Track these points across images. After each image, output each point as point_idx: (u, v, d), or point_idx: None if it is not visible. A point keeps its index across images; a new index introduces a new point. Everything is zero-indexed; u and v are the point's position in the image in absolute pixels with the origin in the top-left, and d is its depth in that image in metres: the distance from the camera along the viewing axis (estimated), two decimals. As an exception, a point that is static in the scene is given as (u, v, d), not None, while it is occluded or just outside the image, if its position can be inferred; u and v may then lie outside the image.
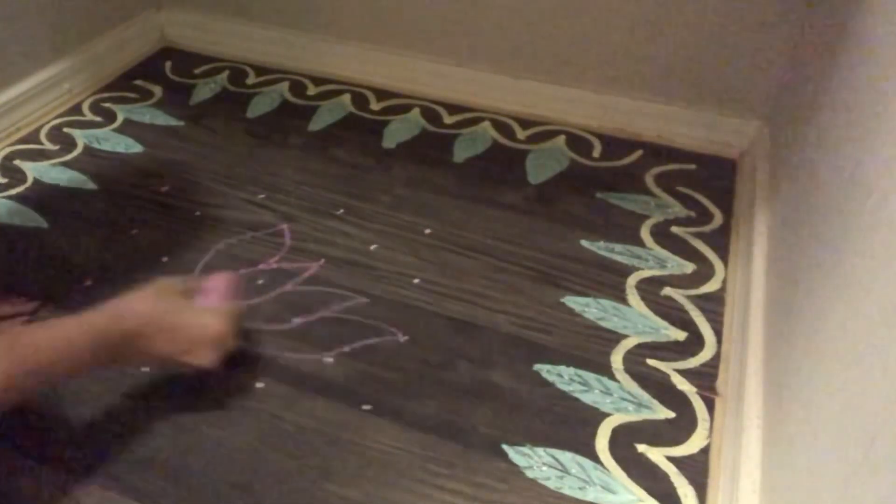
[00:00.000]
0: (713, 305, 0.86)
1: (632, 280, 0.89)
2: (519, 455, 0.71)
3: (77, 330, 0.62)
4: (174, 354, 0.67)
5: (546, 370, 0.78)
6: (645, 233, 0.97)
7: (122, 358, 0.66)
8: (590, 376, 0.78)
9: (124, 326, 0.64)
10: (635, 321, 0.84)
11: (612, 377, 0.78)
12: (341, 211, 0.99)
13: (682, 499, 0.68)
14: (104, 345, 0.63)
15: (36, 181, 1.04)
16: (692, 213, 1.00)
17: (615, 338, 0.82)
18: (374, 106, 1.22)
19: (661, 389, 0.77)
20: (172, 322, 0.67)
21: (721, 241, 0.95)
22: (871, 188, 0.55)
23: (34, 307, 0.83)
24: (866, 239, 0.53)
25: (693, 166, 1.09)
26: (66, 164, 1.07)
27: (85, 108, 1.20)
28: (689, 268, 0.91)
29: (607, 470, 0.69)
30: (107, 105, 1.21)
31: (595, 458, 0.70)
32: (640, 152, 1.12)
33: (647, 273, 0.90)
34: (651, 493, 0.68)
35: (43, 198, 1.01)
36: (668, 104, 1.12)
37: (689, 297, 0.87)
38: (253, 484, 0.68)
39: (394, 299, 0.86)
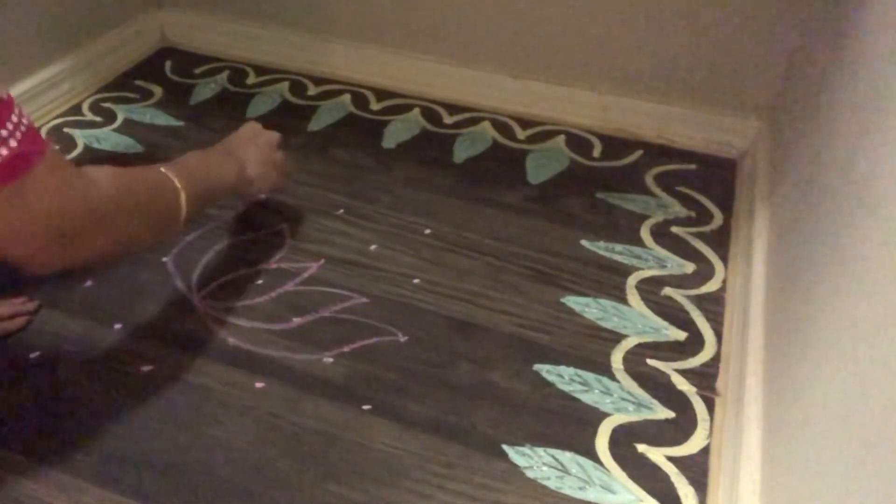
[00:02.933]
0: (713, 305, 0.86)
1: (632, 280, 0.89)
2: (519, 455, 0.71)
3: (200, 152, 0.80)
4: (260, 163, 0.85)
5: (546, 370, 0.78)
6: (645, 233, 0.97)
7: (240, 165, 0.82)
8: (590, 376, 0.78)
9: (222, 143, 0.86)
10: (635, 321, 0.84)
11: (612, 377, 0.78)
12: (341, 211, 1.00)
13: (682, 499, 0.68)
14: (222, 151, 0.83)
15: (36, 181, 1.03)
16: (692, 213, 1.00)
17: (615, 338, 0.82)
18: (374, 106, 1.22)
19: (661, 389, 0.77)
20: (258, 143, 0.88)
21: (721, 241, 0.95)
22: (871, 188, 0.55)
23: (34, 307, 0.83)
24: (866, 239, 0.53)
25: (693, 166, 1.09)
26: (66, 164, 1.07)
27: (85, 108, 1.20)
28: (689, 268, 0.92)
29: (607, 470, 0.69)
30: (107, 105, 1.21)
31: (595, 458, 0.70)
32: (640, 152, 1.12)
33: (647, 273, 0.91)
34: (651, 493, 0.68)
35: (43, 198, 1.00)
36: (668, 104, 1.12)
37: (689, 297, 0.87)
38: (253, 484, 0.68)
39: (394, 299, 0.86)
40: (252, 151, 0.85)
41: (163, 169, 0.69)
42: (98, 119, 1.17)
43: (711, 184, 1.05)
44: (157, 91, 1.25)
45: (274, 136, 0.90)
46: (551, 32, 1.12)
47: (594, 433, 0.73)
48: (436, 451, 0.71)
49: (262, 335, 0.82)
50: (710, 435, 0.73)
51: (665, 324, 0.84)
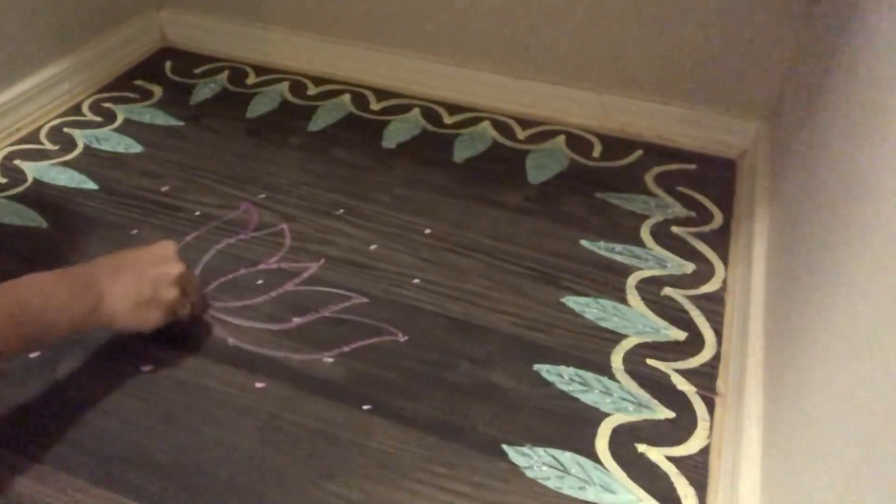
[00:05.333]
0: (713, 305, 0.86)
1: (632, 280, 0.89)
2: (519, 455, 0.71)
3: (51, 276, 0.65)
4: (139, 299, 0.69)
5: (546, 370, 0.78)
6: (645, 233, 0.97)
7: (97, 299, 0.67)
8: (590, 376, 0.78)
9: (92, 265, 0.69)
10: (635, 321, 0.84)
11: (612, 377, 0.78)
12: (341, 211, 1.00)
13: (682, 499, 0.68)
14: (76, 282, 0.66)
15: (36, 181, 1.04)
16: (692, 213, 1.00)
17: (615, 338, 0.82)
18: (374, 106, 1.22)
19: (661, 389, 0.77)
20: (136, 262, 0.72)
21: (721, 241, 0.95)
22: (870, 188, 0.55)
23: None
24: (866, 239, 0.53)
25: (693, 166, 1.09)
26: (66, 164, 1.07)
27: (85, 108, 1.20)
28: (689, 268, 0.91)
29: (607, 470, 0.69)
30: (107, 105, 1.21)
31: (595, 458, 0.70)
32: (640, 152, 1.12)
33: (647, 273, 0.90)
34: (651, 493, 0.68)
35: (43, 198, 1.01)
36: (668, 104, 1.12)
37: (689, 297, 0.87)
38: (253, 484, 0.68)
39: (394, 299, 0.86)
40: (128, 283, 0.69)
41: None
42: (98, 119, 1.17)
43: (711, 184, 1.05)
44: (157, 91, 1.25)
45: (173, 270, 0.72)
46: (551, 32, 1.12)
47: (594, 433, 0.73)
48: (436, 451, 0.71)
49: (262, 335, 0.82)
50: (710, 435, 0.73)
51: (665, 324, 0.84)
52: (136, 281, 0.70)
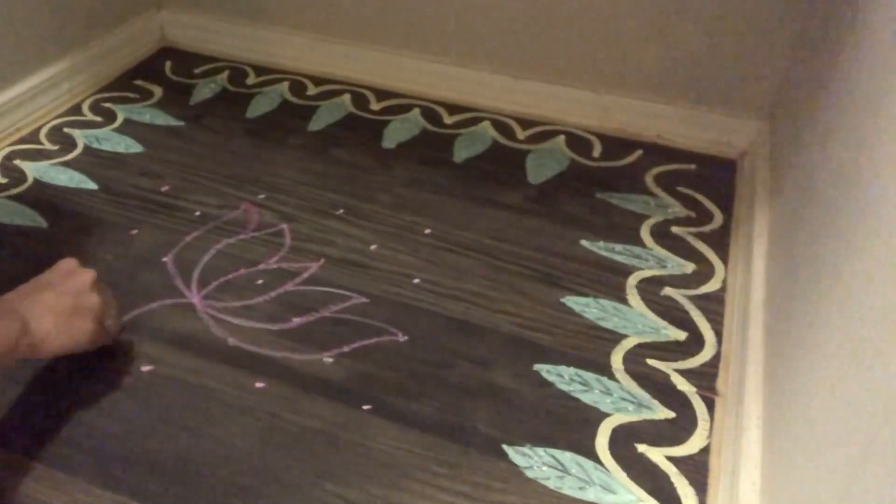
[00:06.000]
0: (713, 305, 0.86)
1: (632, 280, 0.89)
2: (519, 455, 0.71)
3: None
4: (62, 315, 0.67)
5: (546, 370, 0.78)
6: (645, 233, 0.97)
7: (20, 324, 0.64)
8: (590, 376, 0.78)
9: (2, 298, 0.67)
10: (635, 321, 0.84)
11: (612, 377, 0.78)
12: (341, 211, 1.00)
13: (682, 499, 0.68)
14: (7, 308, 0.64)
15: (36, 181, 1.04)
16: (692, 213, 1.00)
17: (615, 338, 0.82)
18: (374, 106, 1.22)
19: (661, 389, 0.77)
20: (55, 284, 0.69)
21: (721, 241, 0.95)
22: (870, 188, 0.55)
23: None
24: (866, 239, 0.53)
25: (693, 166, 1.09)
26: (66, 164, 1.07)
27: (85, 108, 1.20)
28: (689, 268, 0.92)
29: (607, 470, 0.69)
30: (107, 105, 1.21)
31: (595, 458, 0.70)
32: (640, 152, 1.12)
33: (647, 273, 0.91)
34: (651, 493, 0.68)
35: (43, 198, 1.01)
36: (668, 104, 1.12)
37: (689, 297, 0.87)
38: (253, 484, 0.68)
39: (394, 299, 0.86)
40: (45, 301, 0.67)
41: None
42: (98, 119, 1.17)
43: (711, 184, 1.05)
44: (157, 91, 1.25)
45: (86, 277, 0.71)
46: (551, 32, 1.12)
47: (594, 433, 0.73)
48: (436, 451, 0.71)
49: (262, 335, 0.82)
50: (710, 435, 0.73)
51: (665, 324, 0.84)
52: (54, 295, 0.68)
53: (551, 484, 0.68)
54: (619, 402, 0.76)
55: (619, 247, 0.94)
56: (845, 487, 0.45)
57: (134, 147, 1.11)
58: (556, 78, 1.16)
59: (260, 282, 0.88)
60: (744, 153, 1.10)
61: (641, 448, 0.71)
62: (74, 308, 0.69)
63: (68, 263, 0.73)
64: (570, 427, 0.73)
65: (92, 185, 1.03)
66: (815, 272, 0.64)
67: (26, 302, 0.66)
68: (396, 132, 1.15)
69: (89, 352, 0.72)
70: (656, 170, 1.08)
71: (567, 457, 0.70)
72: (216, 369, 0.78)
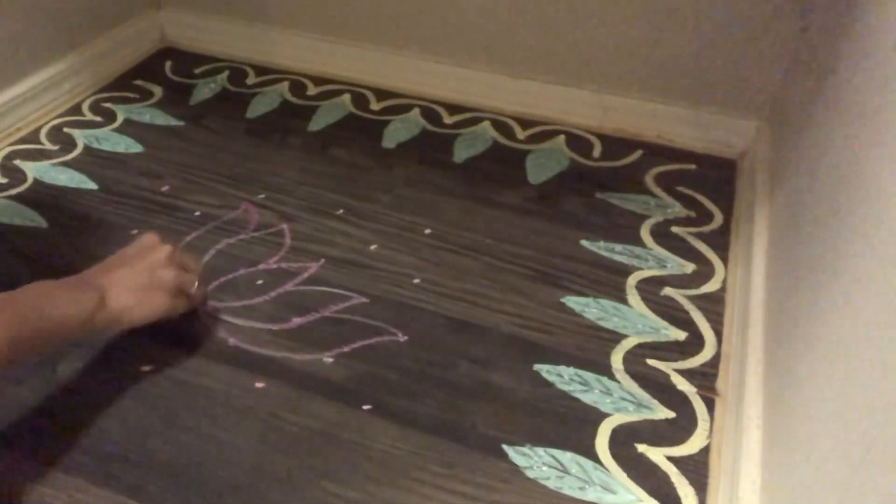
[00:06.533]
0: (713, 305, 0.86)
1: (632, 280, 0.89)
2: (519, 455, 0.71)
3: (56, 284, 0.66)
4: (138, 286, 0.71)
5: (546, 370, 0.78)
6: (645, 233, 0.97)
7: (98, 296, 0.67)
8: (590, 376, 0.78)
9: (82, 273, 0.70)
10: (635, 321, 0.84)
11: (612, 377, 0.78)
12: (341, 211, 1.00)
13: (682, 499, 0.68)
14: (73, 286, 0.67)
15: (36, 181, 1.04)
16: (692, 213, 1.00)
17: (615, 338, 0.82)
18: (374, 106, 1.22)
19: (661, 389, 0.77)
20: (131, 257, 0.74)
21: (721, 241, 0.95)
22: (871, 187, 0.55)
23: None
24: (866, 239, 0.53)
25: (693, 166, 1.09)
26: (66, 164, 1.07)
27: (85, 108, 1.20)
28: (689, 268, 0.92)
29: (607, 470, 0.69)
30: (107, 105, 1.21)
31: (595, 458, 0.70)
32: (640, 152, 1.12)
33: (647, 273, 0.91)
34: (651, 493, 0.68)
35: (43, 198, 1.01)
36: (668, 104, 1.12)
37: (689, 297, 0.87)
38: (253, 484, 0.68)
39: (394, 299, 0.86)
40: (123, 276, 0.70)
41: None
42: (98, 119, 1.17)
43: (711, 184, 1.05)
44: (157, 91, 1.25)
45: (161, 253, 0.75)
46: (551, 32, 1.12)
47: (594, 433, 0.73)
48: (436, 451, 0.71)
49: (262, 335, 0.82)
50: (710, 435, 0.73)
51: (665, 324, 0.84)
52: (130, 272, 0.71)
53: (551, 484, 0.68)
54: (619, 402, 0.76)
55: (619, 247, 0.94)
56: (845, 487, 0.45)
57: (134, 147, 1.11)
58: (556, 78, 1.16)
59: (260, 282, 0.88)
60: (744, 153, 1.10)
61: (641, 448, 0.71)
62: (150, 283, 0.72)
63: (149, 238, 0.77)
64: (570, 427, 0.73)
65: (92, 185, 1.03)
66: (816, 272, 0.64)
67: (105, 278, 0.70)
68: (396, 132, 1.15)
69: (173, 318, 0.76)
70: (656, 170, 1.08)
71: (567, 457, 0.70)
72: (216, 369, 0.78)
